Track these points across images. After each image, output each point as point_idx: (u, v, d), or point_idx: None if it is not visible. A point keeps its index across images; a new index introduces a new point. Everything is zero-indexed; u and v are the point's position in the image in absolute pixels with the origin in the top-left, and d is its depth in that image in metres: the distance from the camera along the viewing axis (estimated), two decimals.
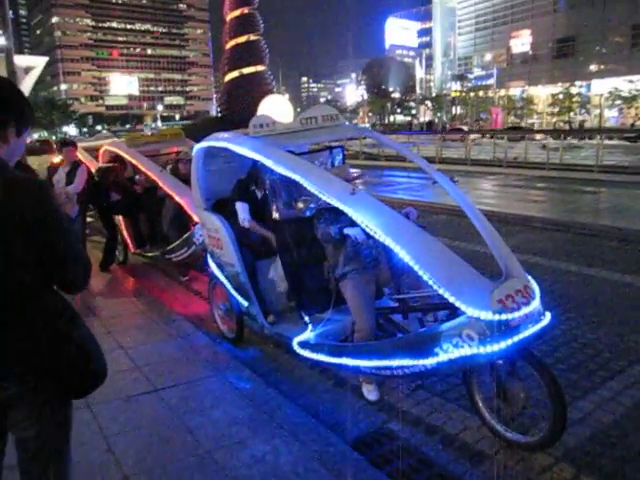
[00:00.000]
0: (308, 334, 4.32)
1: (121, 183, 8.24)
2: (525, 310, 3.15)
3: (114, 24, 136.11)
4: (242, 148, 4.33)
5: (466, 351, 3.13)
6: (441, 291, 3.20)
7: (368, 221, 3.40)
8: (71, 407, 2.03)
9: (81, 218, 7.55)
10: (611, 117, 56.10)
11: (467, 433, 3.71)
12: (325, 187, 3.63)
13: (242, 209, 5.02)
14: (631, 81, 52.62)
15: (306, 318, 4.49)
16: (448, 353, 3.20)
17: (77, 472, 2.59)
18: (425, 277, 3.23)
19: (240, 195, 5.11)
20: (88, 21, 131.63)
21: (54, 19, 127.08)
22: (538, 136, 24.54)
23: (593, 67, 59.39)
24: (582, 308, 5.93)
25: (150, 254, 8.16)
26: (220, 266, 5.18)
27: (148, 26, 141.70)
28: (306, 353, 4.18)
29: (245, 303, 4.90)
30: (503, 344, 3.05)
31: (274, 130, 4.45)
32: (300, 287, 4.63)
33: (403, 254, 3.28)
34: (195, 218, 6.73)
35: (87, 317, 6.03)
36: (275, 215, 4.65)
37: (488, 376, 3.55)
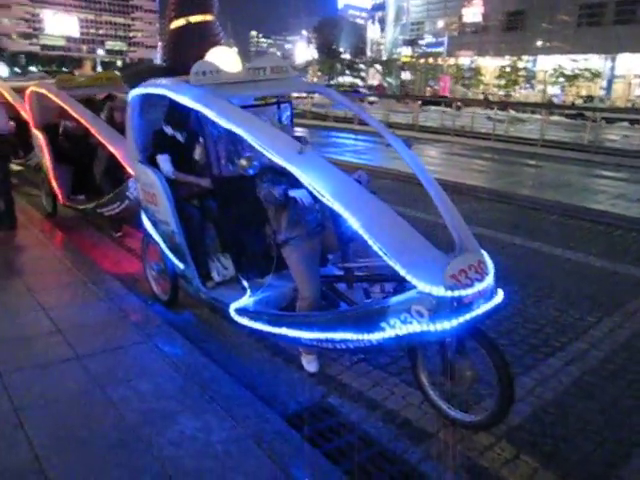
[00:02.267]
0: (246, 300, 4.06)
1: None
2: (478, 287, 2.99)
3: None
4: (182, 97, 3.93)
5: (415, 328, 2.95)
6: (391, 263, 2.99)
7: (316, 183, 3.13)
8: None
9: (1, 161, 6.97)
10: (553, 94, 57.21)
11: (409, 409, 3.58)
12: (271, 144, 3.31)
13: (163, 161, 4.73)
14: (575, 60, 53.68)
15: (245, 283, 4.23)
16: (395, 329, 3.01)
17: None
18: (375, 247, 3.01)
19: (160, 147, 4.80)
20: None
21: None
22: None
23: (540, 43, 59.99)
24: (525, 282, 5.91)
25: (81, 207, 7.62)
26: (155, 224, 4.80)
27: None
28: (244, 321, 3.92)
29: (181, 265, 4.57)
30: (455, 322, 2.88)
31: (218, 79, 4.05)
32: (239, 250, 4.34)
33: (352, 221, 3.04)
34: (130, 170, 6.27)
35: (5, 273, 5.55)
36: (214, 171, 4.31)
37: (434, 352, 3.41)
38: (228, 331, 4.57)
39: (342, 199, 3.06)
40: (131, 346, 4.01)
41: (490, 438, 3.29)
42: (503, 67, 60.41)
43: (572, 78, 54.34)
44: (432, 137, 20.20)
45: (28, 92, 8.06)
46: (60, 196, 7.90)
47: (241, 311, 3.96)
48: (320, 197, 3.12)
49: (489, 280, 3.10)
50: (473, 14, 68.74)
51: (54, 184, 7.89)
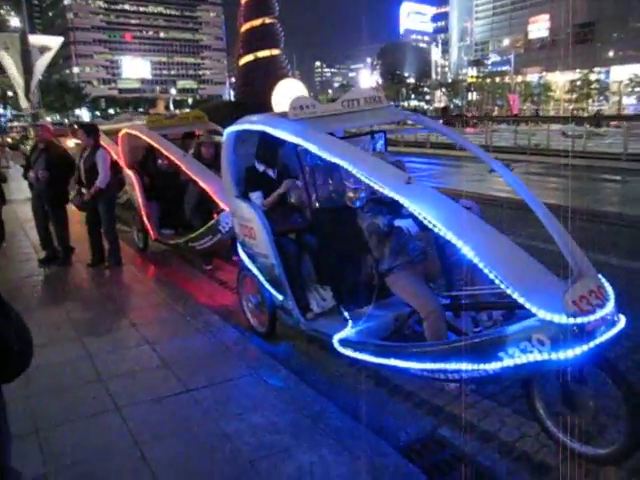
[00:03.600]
0: (349, 331, 4.04)
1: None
2: (600, 313, 2.86)
3: (127, 6, 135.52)
4: (281, 132, 4.03)
5: (535, 357, 2.84)
6: (509, 291, 2.91)
7: (427, 213, 3.11)
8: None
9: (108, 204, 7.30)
10: (629, 105, 54.85)
11: (525, 441, 3.42)
12: (377, 175, 3.33)
13: (256, 198, 4.88)
14: None
15: (346, 314, 4.22)
16: (514, 358, 2.91)
17: None
18: (491, 275, 2.94)
19: (252, 184, 4.96)
20: (100, 3, 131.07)
21: (66, 1, 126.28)
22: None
23: (612, 53, 58.11)
24: (629, 304, 5.56)
25: (172, 242, 7.91)
26: (252, 257, 4.90)
27: (161, 9, 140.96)
28: (348, 352, 3.91)
29: (280, 297, 4.63)
30: (578, 350, 2.76)
31: (315, 112, 4.14)
32: (340, 281, 4.35)
33: (467, 250, 2.99)
34: (221, 205, 6.47)
35: (109, 308, 5.81)
36: (315, 204, 4.37)
37: (551, 380, 3.27)
38: (328, 361, 4.56)
39: (455, 228, 3.02)
40: (237, 379, 4.06)
41: (620, 473, 3.09)
42: (574, 81, 58.66)
43: None
44: (508, 157, 19.69)
45: (121, 134, 8.51)
46: (151, 232, 8.23)
47: (344, 342, 3.95)
48: (431, 226, 3.09)
49: (610, 306, 2.97)
50: (539, 30, 67.61)
51: (145, 220, 8.23)
